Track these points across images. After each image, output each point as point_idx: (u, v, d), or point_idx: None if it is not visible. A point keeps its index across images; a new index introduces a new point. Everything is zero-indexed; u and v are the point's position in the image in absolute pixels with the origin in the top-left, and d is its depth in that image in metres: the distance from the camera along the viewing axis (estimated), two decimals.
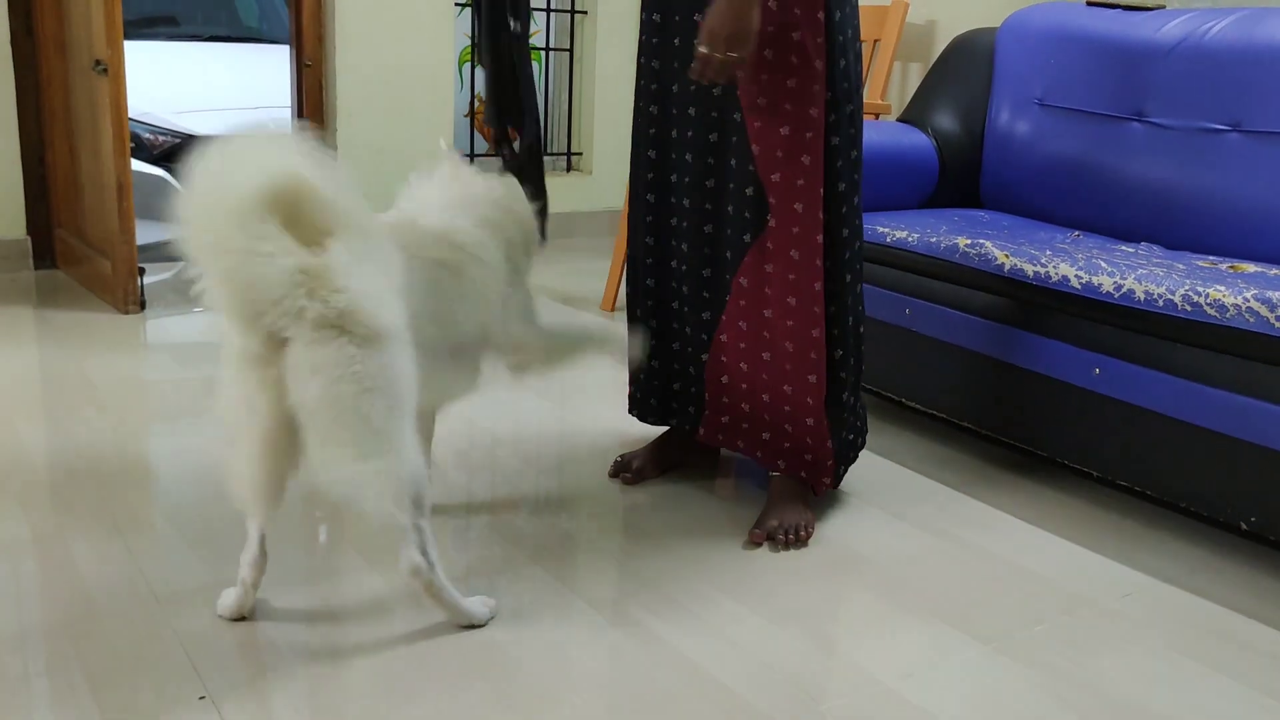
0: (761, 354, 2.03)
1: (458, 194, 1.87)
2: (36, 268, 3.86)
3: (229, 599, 1.67)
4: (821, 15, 1.87)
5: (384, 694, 1.50)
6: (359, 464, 1.45)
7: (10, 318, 3.25)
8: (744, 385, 2.08)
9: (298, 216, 1.39)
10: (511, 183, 1.96)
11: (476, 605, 1.68)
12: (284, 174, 1.37)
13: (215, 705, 1.45)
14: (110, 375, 2.78)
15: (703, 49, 1.77)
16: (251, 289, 1.36)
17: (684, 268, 2.10)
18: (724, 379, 2.10)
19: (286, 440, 1.47)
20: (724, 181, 2.00)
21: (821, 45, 1.88)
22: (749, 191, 1.95)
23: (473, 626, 1.66)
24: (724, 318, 2.06)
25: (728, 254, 2.03)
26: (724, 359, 2.09)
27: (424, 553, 1.56)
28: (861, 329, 2.09)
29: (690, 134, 2.01)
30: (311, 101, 4.34)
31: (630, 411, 2.31)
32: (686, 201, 2.05)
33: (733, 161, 1.97)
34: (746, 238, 1.98)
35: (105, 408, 2.54)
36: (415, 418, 1.54)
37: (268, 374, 1.43)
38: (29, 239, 3.83)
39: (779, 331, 2.00)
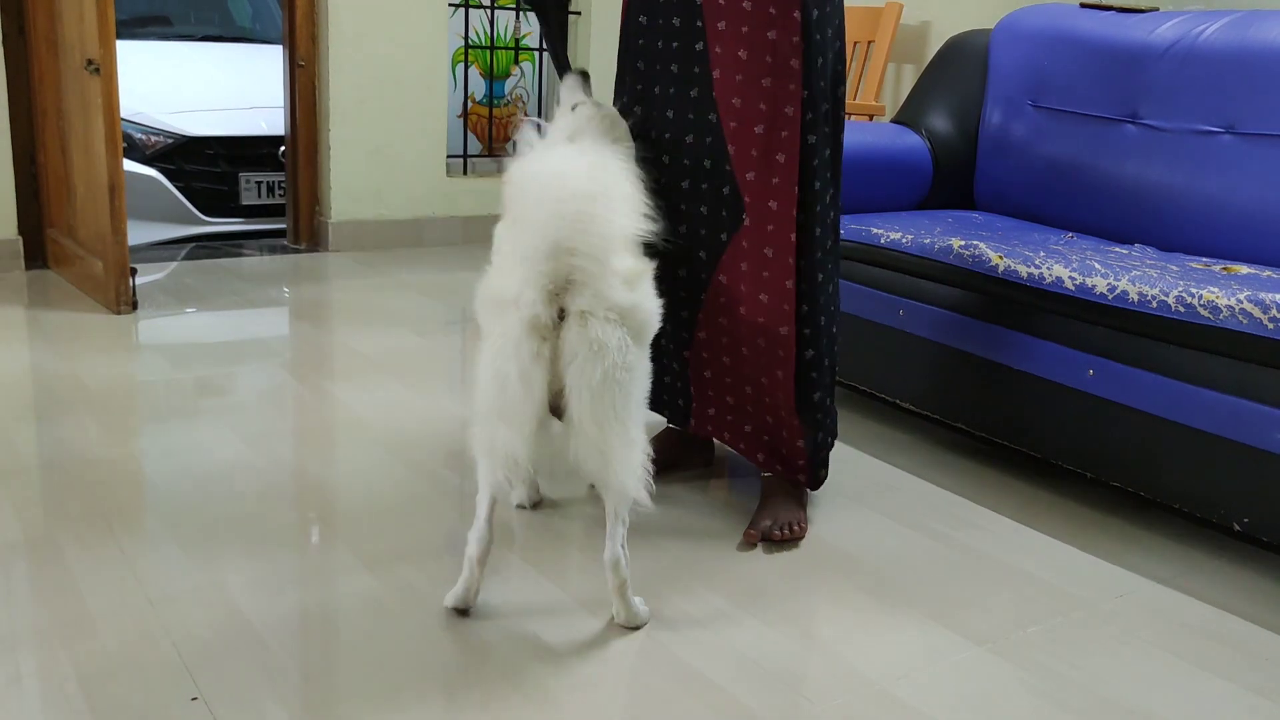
0: (740, 348, 2.04)
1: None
2: (28, 268, 3.84)
3: (457, 587, 1.73)
4: (798, 14, 1.88)
5: (376, 695, 1.50)
6: (615, 444, 1.56)
7: (1, 318, 3.24)
8: (727, 379, 2.09)
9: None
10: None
11: (642, 608, 1.74)
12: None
13: (208, 706, 1.44)
14: (102, 376, 2.77)
15: None
16: (591, 258, 1.51)
17: (662, 267, 2.11)
18: (706, 373, 2.12)
19: (545, 413, 1.59)
20: (698, 183, 2.01)
21: (798, 44, 1.89)
22: (725, 191, 1.97)
23: (636, 628, 1.72)
24: (701, 315, 2.07)
25: (702, 253, 2.03)
26: (705, 354, 2.10)
27: (624, 546, 1.66)
28: (835, 329, 2.08)
29: (668, 135, 2.03)
30: (305, 102, 4.33)
31: None
32: (661, 203, 2.06)
33: (707, 162, 1.98)
34: (724, 236, 1.99)
35: (97, 408, 2.54)
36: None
37: (544, 348, 1.54)
38: (20, 239, 3.82)
39: (752, 328, 2.01)
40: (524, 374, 1.54)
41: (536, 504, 2.16)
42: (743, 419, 2.11)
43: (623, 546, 1.66)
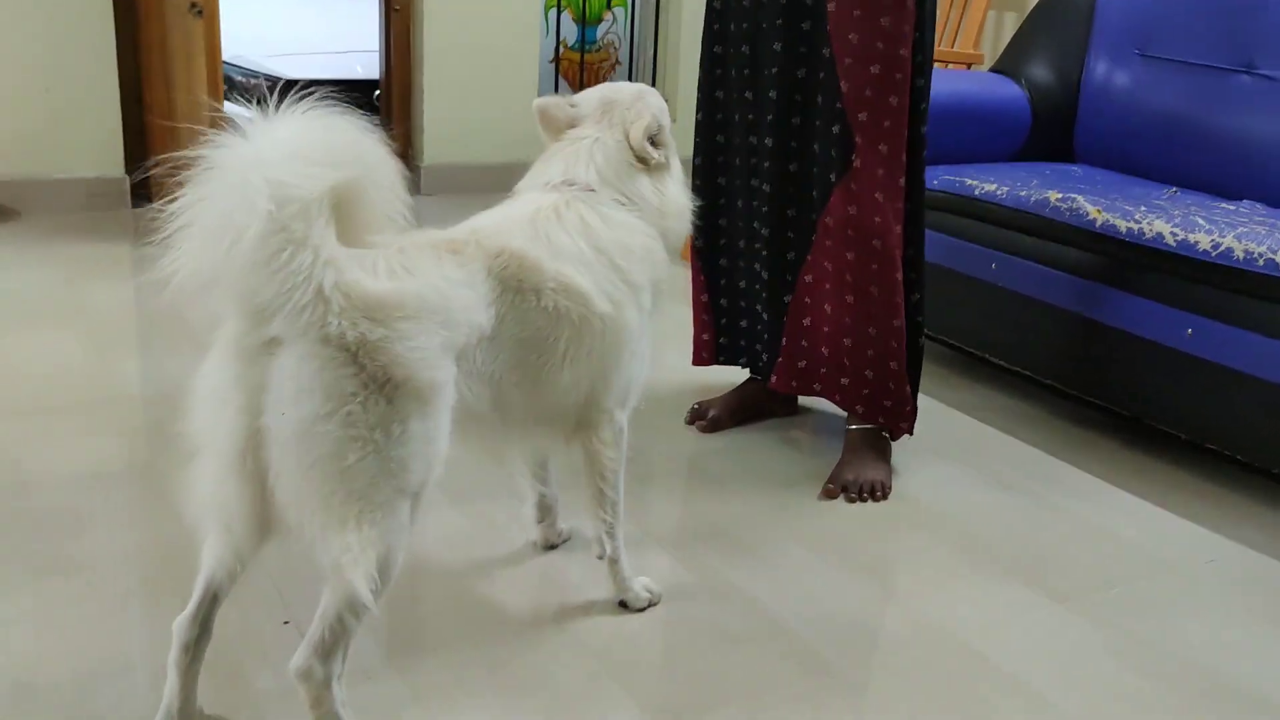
0: (845, 296, 2.00)
1: (595, 237, 1.45)
2: (134, 205, 3.96)
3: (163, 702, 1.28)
4: None
5: (460, 624, 1.54)
6: (324, 527, 1.16)
7: (108, 255, 3.35)
8: (826, 328, 2.05)
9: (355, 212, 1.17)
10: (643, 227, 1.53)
11: None
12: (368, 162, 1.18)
13: (299, 630, 1.50)
14: (204, 310, 2.85)
15: None
16: (271, 283, 1.10)
17: (765, 208, 2.08)
18: (806, 320, 2.08)
19: (256, 465, 1.16)
20: (810, 119, 1.97)
21: None
22: (835, 129, 1.92)
23: None
24: (809, 258, 2.04)
25: (814, 193, 2.00)
26: (808, 300, 2.07)
27: (326, 660, 1.21)
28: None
29: (775, 70, 1.98)
30: (399, 45, 4.37)
31: (708, 361, 2.30)
32: (770, 140, 2.03)
33: (819, 98, 1.94)
34: (832, 177, 1.95)
35: (198, 342, 2.61)
36: (419, 497, 1.24)
37: (249, 373, 1.16)
38: (126, 178, 3.93)
39: (864, 275, 1.97)
40: (219, 401, 1.20)
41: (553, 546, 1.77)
42: (839, 371, 2.06)
43: (321, 660, 1.20)
